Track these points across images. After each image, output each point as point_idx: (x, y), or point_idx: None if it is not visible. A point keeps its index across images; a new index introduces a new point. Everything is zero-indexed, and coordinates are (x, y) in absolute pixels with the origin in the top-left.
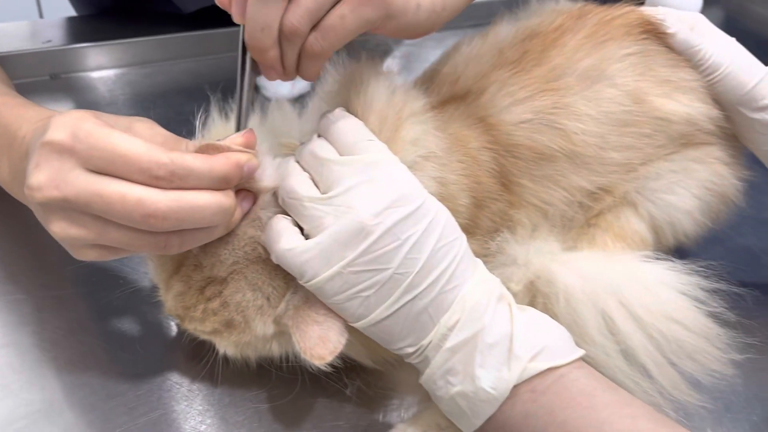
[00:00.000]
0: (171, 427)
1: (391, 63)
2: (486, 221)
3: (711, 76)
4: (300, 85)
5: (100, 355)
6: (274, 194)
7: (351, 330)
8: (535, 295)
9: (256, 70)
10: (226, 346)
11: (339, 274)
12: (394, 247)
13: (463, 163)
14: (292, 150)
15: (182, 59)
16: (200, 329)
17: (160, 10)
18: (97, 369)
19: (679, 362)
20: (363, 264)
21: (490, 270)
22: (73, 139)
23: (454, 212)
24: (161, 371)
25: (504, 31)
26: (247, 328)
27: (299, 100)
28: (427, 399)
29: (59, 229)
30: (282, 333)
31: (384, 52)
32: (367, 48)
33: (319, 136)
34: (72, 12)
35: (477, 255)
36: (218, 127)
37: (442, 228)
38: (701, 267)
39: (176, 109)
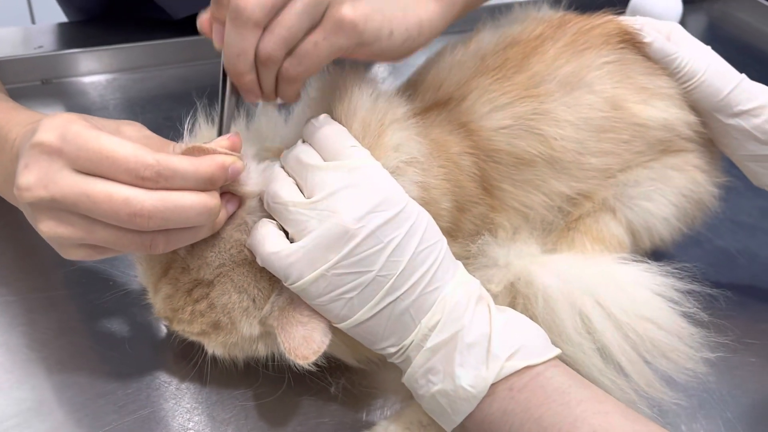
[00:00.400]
0: (159, 425)
1: (378, 68)
2: (468, 224)
3: (687, 84)
4: None
5: (90, 355)
6: (260, 200)
7: (335, 330)
8: (515, 296)
9: (236, 91)
10: (214, 346)
11: (323, 277)
12: (377, 250)
13: (444, 168)
14: (277, 155)
15: (172, 65)
16: (188, 330)
17: (150, 16)
18: (87, 368)
19: (653, 360)
20: (346, 267)
21: (472, 271)
22: (61, 140)
23: (437, 216)
24: (150, 370)
25: (486, 38)
26: (234, 329)
27: (286, 105)
28: (409, 397)
29: (47, 228)
30: (268, 334)
31: None
32: None
33: (303, 141)
34: (64, 18)
35: (459, 257)
36: (204, 133)
37: (424, 231)
38: (676, 269)
39: (166, 114)
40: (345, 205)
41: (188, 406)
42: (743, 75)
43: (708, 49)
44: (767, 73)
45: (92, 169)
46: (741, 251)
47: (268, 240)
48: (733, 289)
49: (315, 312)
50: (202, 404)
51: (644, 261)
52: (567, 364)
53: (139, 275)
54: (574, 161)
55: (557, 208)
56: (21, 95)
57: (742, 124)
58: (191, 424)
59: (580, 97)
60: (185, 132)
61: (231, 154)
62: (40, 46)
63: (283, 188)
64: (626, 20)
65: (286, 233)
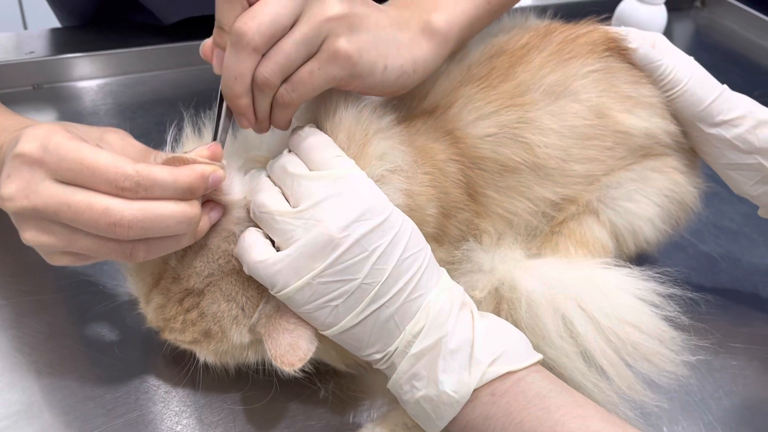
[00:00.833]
0: (148, 428)
1: None
2: (454, 230)
3: (671, 92)
4: None
5: (79, 358)
6: (248, 210)
7: (324, 336)
8: (499, 301)
9: (231, 115)
10: (206, 354)
11: (308, 285)
12: (362, 259)
13: (429, 175)
14: (264, 164)
15: (163, 70)
16: (180, 339)
17: (141, 21)
18: (76, 372)
19: (635, 364)
20: (331, 275)
21: (458, 277)
22: (42, 151)
23: (422, 222)
24: (139, 374)
25: (473, 47)
26: (224, 337)
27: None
28: (395, 400)
29: (31, 236)
30: (258, 341)
31: None
32: None
33: (290, 151)
34: (56, 24)
35: (445, 262)
36: (191, 143)
37: (408, 239)
38: (658, 273)
39: (157, 119)
40: (330, 214)
41: (177, 409)
42: (725, 85)
43: (691, 60)
44: (752, 80)
45: (73, 179)
46: (723, 256)
47: (254, 248)
48: (716, 293)
49: (301, 320)
50: (191, 407)
51: (626, 266)
52: (550, 368)
53: (130, 286)
54: (558, 168)
55: (542, 213)
56: (12, 100)
57: (723, 133)
58: (179, 427)
59: (565, 105)
60: (169, 141)
61: (211, 164)
62: (32, 52)
63: (269, 197)
64: (611, 29)
65: (273, 242)
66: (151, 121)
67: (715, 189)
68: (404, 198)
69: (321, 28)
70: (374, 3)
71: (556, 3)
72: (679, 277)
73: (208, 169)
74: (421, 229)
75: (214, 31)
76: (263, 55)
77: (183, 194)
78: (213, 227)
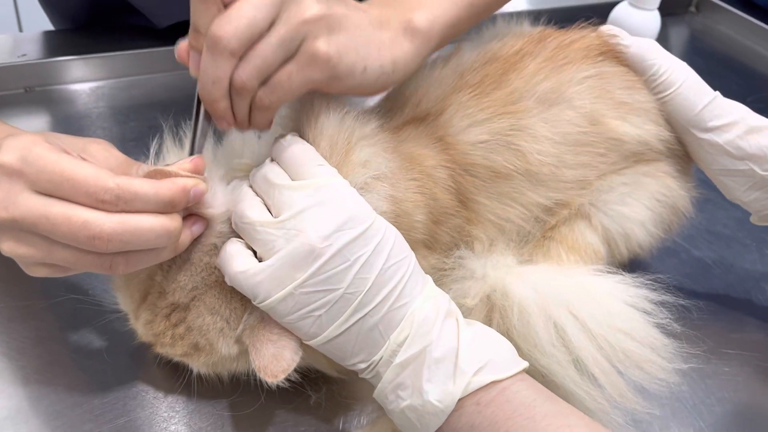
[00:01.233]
0: None
1: None
2: (445, 236)
3: (664, 94)
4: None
5: (67, 363)
6: (231, 224)
7: None
8: (491, 309)
9: (210, 117)
10: (198, 366)
11: (291, 295)
12: (344, 268)
13: (417, 181)
14: (246, 172)
15: (156, 73)
16: (172, 353)
17: (134, 24)
18: (64, 377)
19: (626, 371)
20: (314, 285)
21: (449, 284)
22: (22, 162)
23: (411, 228)
24: (127, 379)
25: (466, 54)
26: (213, 350)
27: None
28: None
29: (8, 248)
30: (246, 352)
31: None
32: None
33: (272, 160)
34: (51, 26)
35: (436, 269)
36: (172, 155)
37: (391, 248)
38: (650, 280)
39: (150, 122)
40: (311, 224)
41: (165, 414)
42: (717, 92)
43: (685, 64)
44: (747, 85)
45: (52, 191)
46: (717, 262)
47: (235, 259)
48: (708, 298)
49: (285, 330)
50: (179, 413)
51: (618, 272)
52: (542, 375)
53: (119, 302)
54: (551, 174)
55: (534, 218)
56: (4, 103)
57: (715, 139)
58: None
59: (559, 112)
60: (151, 153)
61: (193, 177)
62: (24, 54)
63: (251, 208)
64: (605, 27)
65: (255, 253)
66: (144, 124)
67: (708, 195)
68: (390, 205)
69: (298, 30)
70: (354, 2)
71: (549, 8)
72: (672, 283)
73: (189, 182)
74: (410, 236)
75: (190, 33)
76: (241, 58)
77: (164, 207)
78: (195, 241)
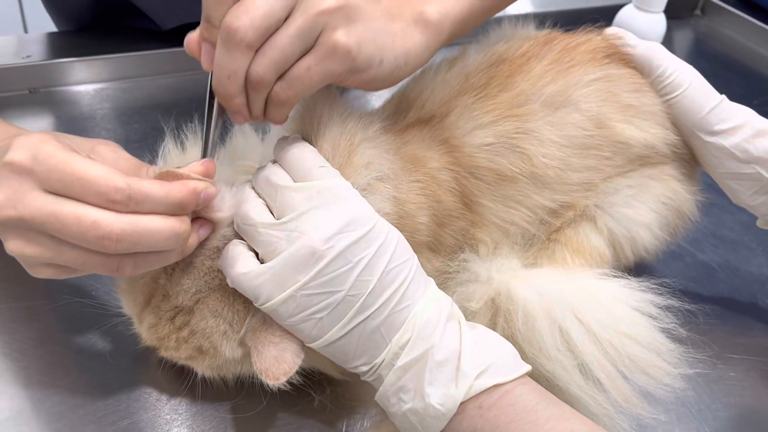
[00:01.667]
0: None
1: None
2: (449, 239)
3: (671, 96)
4: None
5: (70, 365)
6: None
7: None
8: (496, 312)
9: (223, 112)
10: (202, 369)
11: (292, 297)
12: (346, 270)
13: (420, 183)
14: (249, 174)
15: (160, 75)
16: (176, 356)
17: (139, 26)
18: (66, 379)
19: (631, 376)
20: (315, 287)
21: (454, 287)
22: (32, 160)
23: (415, 230)
24: (129, 381)
25: (472, 56)
26: (217, 353)
27: (262, 124)
28: None
29: (15, 247)
30: (250, 354)
31: None
32: None
33: (274, 162)
34: (55, 28)
35: (441, 272)
36: (174, 158)
37: (394, 250)
38: (655, 284)
39: (153, 124)
40: (313, 226)
41: (168, 417)
42: (723, 95)
43: (691, 67)
44: (752, 88)
45: (63, 191)
46: (722, 266)
47: (237, 261)
48: (714, 302)
49: (287, 332)
50: (182, 415)
51: (624, 276)
52: (547, 380)
53: (123, 306)
54: (556, 177)
55: (539, 220)
56: (9, 104)
57: (722, 142)
58: None
59: (565, 115)
60: (160, 155)
61: (204, 180)
62: (29, 56)
63: (253, 209)
64: (610, 29)
65: (257, 254)
66: (148, 126)
67: (714, 198)
68: (392, 206)
69: (317, 21)
70: None
71: (555, 11)
72: (677, 287)
73: (200, 185)
74: (414, 238)
75: (202, 25)
76: (257, 51)
77: (174, 209)
78: (199, 244)
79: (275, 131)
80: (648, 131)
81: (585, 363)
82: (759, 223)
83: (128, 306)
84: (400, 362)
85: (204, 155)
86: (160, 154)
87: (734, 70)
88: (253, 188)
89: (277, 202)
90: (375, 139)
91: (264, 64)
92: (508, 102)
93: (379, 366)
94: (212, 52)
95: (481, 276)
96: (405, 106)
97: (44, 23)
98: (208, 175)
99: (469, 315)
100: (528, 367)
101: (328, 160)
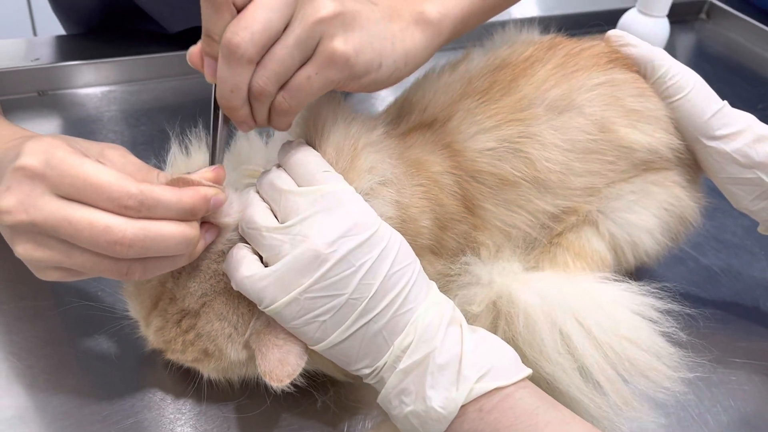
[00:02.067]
0: None
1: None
2: (451, 242)
3: (673, 98)
4: None
5: (75, 364)
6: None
7: None
8: (497, 315)
9: (228, 120)
10: (208, 371)
11: (296, 300)
12: (349, 274)
13: (423, 187)
14: (254, 178)
15: (167, 78)
16: (182, 359)
17: (146, 30)
18: (72, 378)
19: (631, 379)
20: (319, 290)
21: (455, 290)
22: (45, 165)
23: (417, 234)
24: (135, 381)
25: (475, 60)
26: (222, 355)
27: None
28: None
29: (24, 251)
30: (255, 357)
31: None
32: None
33: (278, 166)
34: (63, 31)
35: (443, 275)
36: (180, 164)
37: (396, 254)
38: (656, 288)
39: (160, 126)
40: (317, 230)
41: (171, 416)
42: (725, 101)
43: (694, 72)
44: (757, 92)
45: (75, 196)
46: (724, 270)
47: (242, 264)
48: (716, 307)
49: (291, 335)
50: (186, 415)
51: (624, 280)
52: (547, 383)
53: (130, 309)
54: (558, 181)
55: (541, 225)
56: (18, 106)
57: (723, 147)
58: None
59: (569, 120)
60: (168, 162)
61: (214, 187)
62: (37, 58)
63: (258, 213)
64: (611, 32)
65: (261, 258)
66: (155, 128)
67: (716, 203)
68: (395, 210)
69: (314, 30)
70: None
71: (559, 15)
72: (679, 291)
73: (210, 191)
74: (416, 242)
75: (203, 39)
76: (257, 63)
77: (185, 215)
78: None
79: (279, 135)
80: (652, 135)
81: (585, 366)
82: (761, 229)
83: (135, 309)
84: (401, 365)
85: (212, 162)
86: (169, 159)
87: (739, 74)
88: (258, 192)
89: (281, 206)
90: (378, 143)
91: (265, 77)
92: (511, 106)
93: (382, 369)
94: (214, 65)
95: (483, 279)
96: (407, 110)
97: (53, 26)
98: (218, 182)
99: (471, 318)
100: (528, 371)
101: (331, 164)
